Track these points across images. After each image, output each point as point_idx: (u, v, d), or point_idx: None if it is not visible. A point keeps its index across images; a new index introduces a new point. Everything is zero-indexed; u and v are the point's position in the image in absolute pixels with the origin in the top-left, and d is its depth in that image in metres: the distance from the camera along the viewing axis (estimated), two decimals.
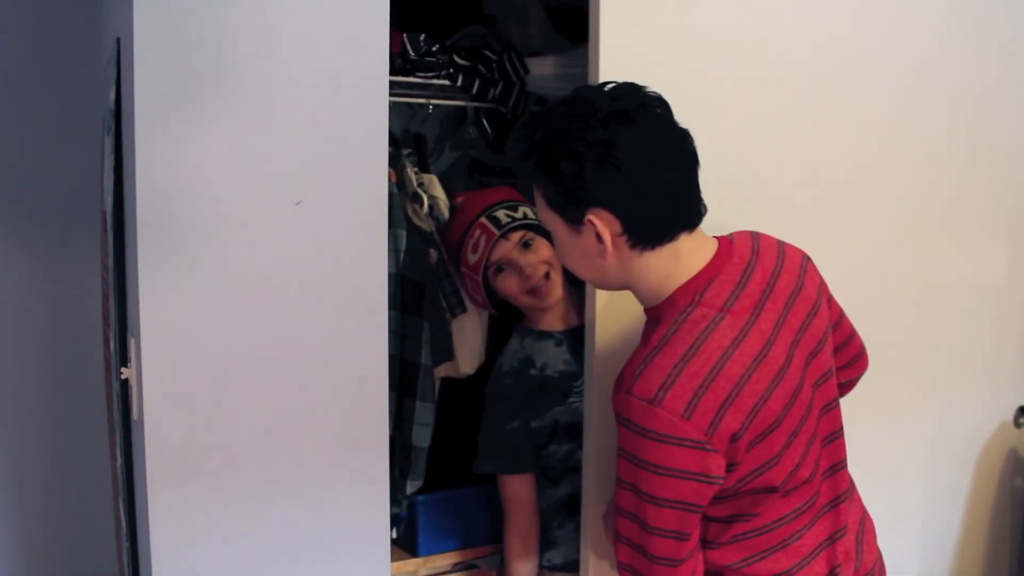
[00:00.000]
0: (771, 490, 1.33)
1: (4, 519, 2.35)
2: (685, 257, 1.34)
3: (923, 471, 2.27)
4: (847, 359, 1.58)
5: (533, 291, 1.82)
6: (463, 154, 2.19)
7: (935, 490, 2.33)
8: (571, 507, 1.83)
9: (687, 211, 1.34)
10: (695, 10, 1.73)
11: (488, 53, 1.98)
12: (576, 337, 1.80)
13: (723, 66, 1.76)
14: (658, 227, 1.31)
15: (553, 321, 1.87)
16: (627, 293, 1.66)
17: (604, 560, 1.73)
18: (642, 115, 1.28)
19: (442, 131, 2.22)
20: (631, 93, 1.30)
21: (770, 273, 1.38)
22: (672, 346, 1.27)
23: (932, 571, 2.36)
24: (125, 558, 1.68)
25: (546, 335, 1.86)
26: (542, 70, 2.02)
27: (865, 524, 1.53)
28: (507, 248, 1.82)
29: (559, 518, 1.84)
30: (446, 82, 1.93)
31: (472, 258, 1.82)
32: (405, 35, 1.83)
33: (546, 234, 1.78)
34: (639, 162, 1.26)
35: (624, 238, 1.30)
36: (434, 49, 1.87)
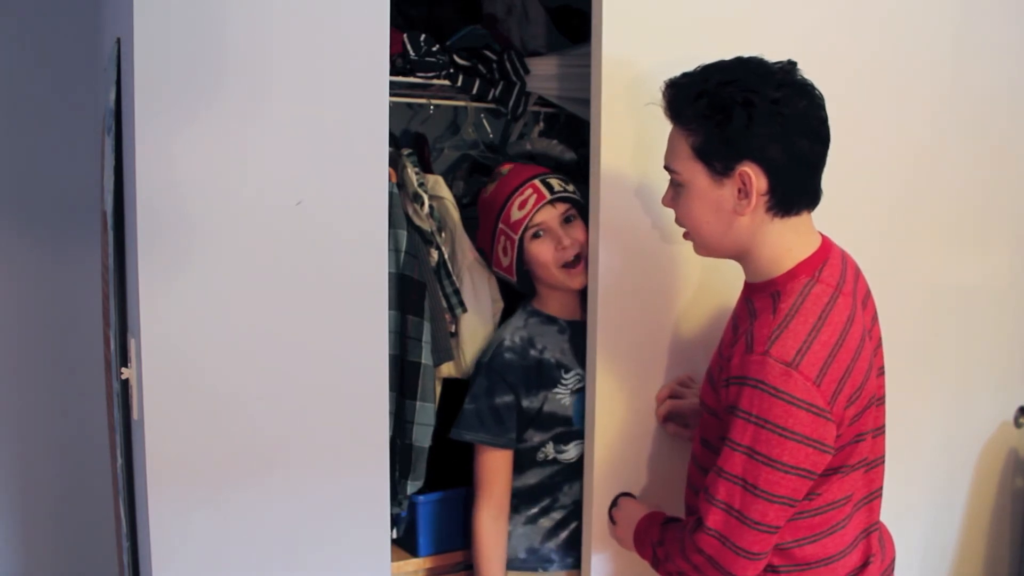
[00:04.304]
0: (837, 469, 1.37)
1: (5, 519, 2.35)
2: (803, 234, 1.40)
3: (923, 471, 2.27)
4: None
5: (567, 266, 1.81)
6: (463, 154, 2.18)
7: (935, 490, 2.33)
8: (524, 498, 1.82)
9: (817, 190, 1.40)
10: (697, 10, 1.73)
11: (488, 53, 1.98)
12: (577, 331, 1.81)
13: None
14: (797, 196, 1.37)
15: (561, 309, 1.87)
16: (628, 299, 1.65)
17: (604, 559, 1.73)
18: (809, 91, 1.35)
19: (442, 131, 2.22)
20: (798, 70, 1.37)
21: (854, 269, 1.46)
22: (803, 315, 1.32)
23: (932, 571, 2.36)
24: (125, 558, 1.68)
25: (552, 320, 1.86)
26: (542, 70, 2.02)
27: (881, 525, 1.58)
28: (551, 215, 1.82)
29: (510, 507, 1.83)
30: (446, 82, 1.93)
31: (516, 214, 1.81)
32: (405, 35, 1.83)
33: (587, 215, 1.78)
34: (801, 129, 1.33)
35: (765, 198, 1.35)
36: (434, 49, 1.87)
